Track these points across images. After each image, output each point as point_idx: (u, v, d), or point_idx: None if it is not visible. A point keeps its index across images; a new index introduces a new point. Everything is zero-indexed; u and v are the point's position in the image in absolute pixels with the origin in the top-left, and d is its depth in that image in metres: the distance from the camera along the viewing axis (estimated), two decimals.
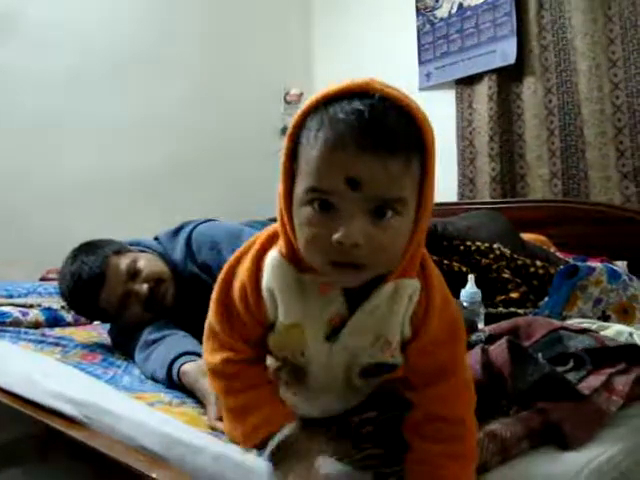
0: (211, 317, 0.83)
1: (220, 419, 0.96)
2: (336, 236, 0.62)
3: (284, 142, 0.68)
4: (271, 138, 3.49)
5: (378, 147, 0.62)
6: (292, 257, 0.71)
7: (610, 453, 0.85)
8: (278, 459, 0.76)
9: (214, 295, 0.81)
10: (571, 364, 1.07)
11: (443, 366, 0.77)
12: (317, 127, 0.64)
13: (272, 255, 0.73)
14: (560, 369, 1.03)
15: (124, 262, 1.47)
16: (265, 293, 0.74)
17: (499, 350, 0.98)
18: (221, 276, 0.81)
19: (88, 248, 1.52)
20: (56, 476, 1.31)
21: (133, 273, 1.47)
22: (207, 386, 1.06)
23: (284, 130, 3.59)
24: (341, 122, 0.62)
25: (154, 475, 0.87)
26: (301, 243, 0.67)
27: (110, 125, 2.88)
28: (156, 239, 1.66)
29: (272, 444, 0.76)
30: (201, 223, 1.59)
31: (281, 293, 0.73)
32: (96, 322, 1.91)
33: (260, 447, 0.78)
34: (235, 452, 0.84)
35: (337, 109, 0.63)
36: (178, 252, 1.55)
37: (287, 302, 0.74)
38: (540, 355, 1.01)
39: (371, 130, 0.62)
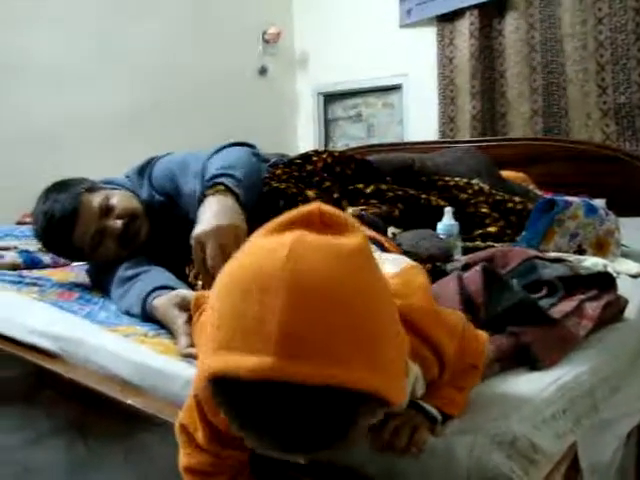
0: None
1: (191, 346, 0.96)
2: None
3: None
4: (249, 77, 3.42)
5: (307, 449, 0.51)
6: None
7: (576, 372, 0.87)
8: None
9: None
10: (544, 291, 1.09)
11: (471, 361, 0.75)
12: (234, 419, 0.51)
13: None
14: (533, 296, 1.04)
15: (97, 199, 1.45)
16: None
17: (473, 276, 0.98)
18: None
19: (60, 187, 1.49)
20: (41, 415, 1.32)
21: (106, 210, 1.45)
22: (177, 317, 1.07)
23: (262, 70, 3.52)
24: (256, 427, 0.50)
25: (129, 401, 0.88)
26: None
27: (92, 63, 2.81)
28: (127, 177, 1.64)
29: None
30: (161, 157, 1.61)
31: None
32: (74, 263, 1.90)
33: None
34: None
35: (251, 402, 0.49)
36: (145, 187, 1.56)
37: None
38: (515, 282, 1.02)
39: (292, 435, 0.49)
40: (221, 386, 0.50)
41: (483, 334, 0.77)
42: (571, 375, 0.86)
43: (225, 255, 1.14)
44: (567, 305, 1.04)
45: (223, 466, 0.73)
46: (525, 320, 0.94)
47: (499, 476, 0.59)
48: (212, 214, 1.22)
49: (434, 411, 0.68)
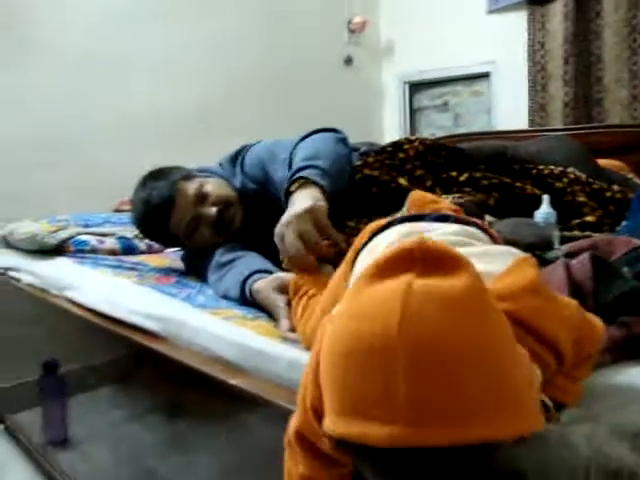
0: None
1: (292, 330, 0.98)
2: None
3: None
4: (335, 67, 3.42)
5: None
6: None
7: None
8: None
9: None
10: None
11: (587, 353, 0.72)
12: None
13: None
14: None
15: (192, 187, 1.49)
16: None
17: (580, 265, 0.94)
18: None
19: (157, 175, 1.54)
20: (140, 394, 1.38)
21: (201, 197, 1.49)
22: (278, 300, 1.09)
23: (348, 60, 3.51)
24: None
25: (232, 382, 0.90)
26: None
27: (173, 57, 2.89)
28: (220, 165, 1.68)
29: None
30: (253, 145, 1.62)
31: None
32: (168, 250, 1.98)
33: None
34: (307, 359, 0.85)
35: (391, 470, 0.49)
36: (238, 178, 1.58)
37: None
38: (626, 269, 0.97)
39: None
40: (346, 446, 0.50)
41: (599, 321, 0.74)
42: None
43: (305, 241, 1.14)
44: None
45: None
46: (637, 310, 0.90)
47: (623, 468, 0.57)
48: (291, 207, 1.22)
49: (545, 398, 0.66)
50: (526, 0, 3.00)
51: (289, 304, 1.06)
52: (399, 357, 0.46)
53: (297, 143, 1.48)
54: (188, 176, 1.55)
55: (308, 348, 0.88)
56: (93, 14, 2.68)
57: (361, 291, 0.52)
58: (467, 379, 0.47)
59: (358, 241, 0.89)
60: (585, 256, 0.95)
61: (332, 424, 0.50)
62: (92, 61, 2.66)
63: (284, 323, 1.02)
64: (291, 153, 1.45)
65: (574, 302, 0.73)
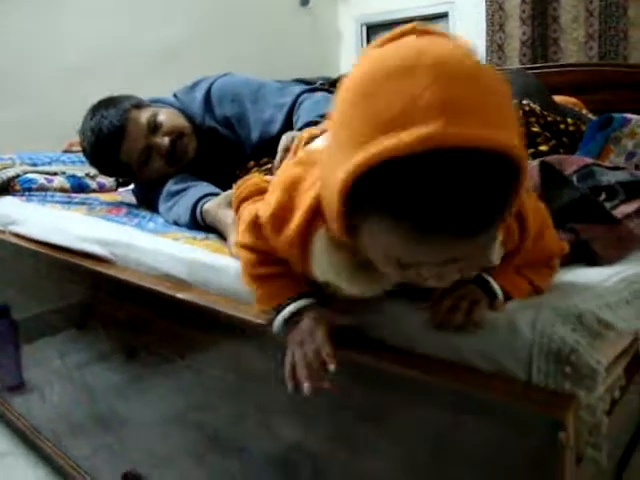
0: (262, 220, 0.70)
1: None
2: (427, 282, 0.57)
3: (335, 193, 0.52)
4: (290, 8, 3.35)
5: (476, 229, 0.51)
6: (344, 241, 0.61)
7: (637, 270, 0.83)
8: (290, 325, 0.72)
9: (269, 211, 0.68)
10: (603, 196, 1.05)
11: (548, 253, 0.74)
12: (396, 199, 0.49)
13: (323, 243, 0.65)
14: None
15: (144, 116, 1.45)
16: (320, 278, 0.68)
17: (530, 172, 0.95)
18: (271, 211, 0.68)
19: (107, 103, 1.49)
20: (96, 339, 1.35)
21: (154, 127, 1.44)
22: (227, 217, 1.07)
23: (304, 0, 3.42)
24: (427, 205, 0.48)
25: (180, 296, 0.88)
26: (371, 255, 0.58)
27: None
28: (175, 96, 1.63)
29: (286, 311, 0.72)
30: (220, 77, 1.56)
31: (338, 282, 0.67)
32: (120, 189, 1.92)
33: (276, 310, 0.74)
34: None
35: (414, 184, 0.48)
36: (196, 106, 1.53)
37: (345, 285, 0.67)
38: (575, 179, 0.98)
39: (469, 210, 0.49)
40: (375, 174, 0.49)
41: (565, 243, 0.76)
42: (632, 271, 0.83)
43: None
44: (628, 207, 1.00)
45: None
46: (585, 218, 0.91)
47: (564, 348, 0.58)
48: None
49: (495, 285, 0.66)
50: None
51: None
52: (427, 72, 0.48)
53: (299, 98, 1.45)
54: (140, 105, 1.49)
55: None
56: None
57: (372, 50, 0.55)
58: (486, 91, 0.50)
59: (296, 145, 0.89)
60: (534, 163, 0.95)
61: (354, 161, 0.49)
62: None
63: (233, 237, 1.00)
64: (293, 102, 1.43)
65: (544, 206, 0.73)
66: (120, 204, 1.59)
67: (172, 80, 2.68)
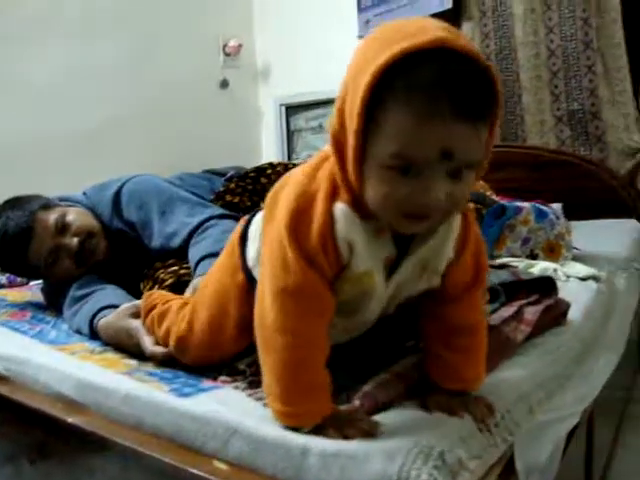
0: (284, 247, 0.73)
1: (157, 344, 1.01)
2: (422, 200, 0.64)
3: (359, 95, 0.63)
4: (211, 91, 3.42)
5: (472, 114, 0.62)
6: (357, 207, 0.71)
7: (514, 377, 0.89)
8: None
9: (285, 226, 0.72)
10: (487, 297, 1.11)
11: (478, 274, 0.82)
12: (406, 89, 0.61)
13: (341, 208, 0.72)
14: None
15: (52, 216, 1.45)
16: (342, 243, 0.73)
17: None
18: (293, 206, 0.73)
19: (14, 203, 1.48)
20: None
21: (62, 227, 1.44)
22: (132, 323, 1.09)
23: (224, 83, 3.52)
24: (436, 87, 0.61)
25: (70, 420, 0.87)
26: (373, 197, 0.67)
27: (41, 85, 2.75)
28: (84, 194, 1.63)
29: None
30: (131, 179, 1.55)
31: (358, 245, 0.73)
32: (32, 283, 1.89)
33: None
34: (143, 391, 0.86)
35: (427, 71, 0.61)
36: (104, 207, 1.52)
37: (362, 252, 0.74)
38: None
39: (466, 96, 0.61)
40: (395, 69, 0.62)
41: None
42: (508, 382, 0.88)
43: None
44: (507, 310, 1.06)
45: None
46: None
47: None
48: None
49: None
50: None
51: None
52: (432, 22, 0.67)
53: (204, 222, 1.40)
54: (47, 205, 1.49)
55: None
56: None
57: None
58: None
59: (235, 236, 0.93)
60: None
61: (387, 52, 0.63)
62: None
63: (146, 340, 1.01)
64: (183, 237, 1.39)
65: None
66: (27, 305, 1.56)
67: (91, 165, 2.70)
